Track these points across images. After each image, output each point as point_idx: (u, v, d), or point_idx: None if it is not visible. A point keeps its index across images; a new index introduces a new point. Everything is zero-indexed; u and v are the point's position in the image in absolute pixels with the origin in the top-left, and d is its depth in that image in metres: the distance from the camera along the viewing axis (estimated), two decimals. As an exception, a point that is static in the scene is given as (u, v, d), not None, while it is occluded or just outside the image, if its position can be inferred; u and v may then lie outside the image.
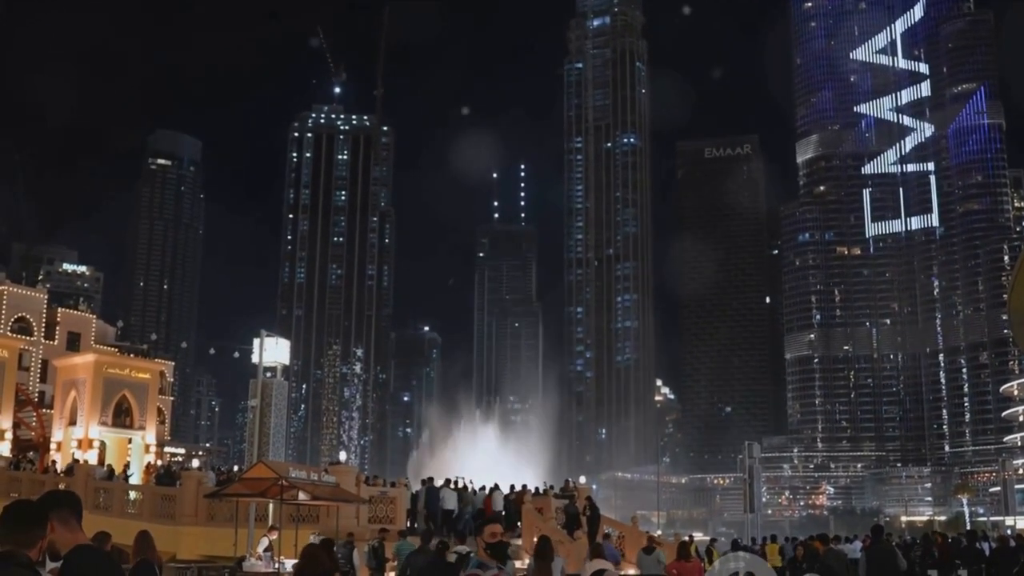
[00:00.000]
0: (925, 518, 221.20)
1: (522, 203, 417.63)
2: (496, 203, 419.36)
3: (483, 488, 42.81)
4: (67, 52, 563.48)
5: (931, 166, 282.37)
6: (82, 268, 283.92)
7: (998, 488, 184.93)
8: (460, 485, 42.47)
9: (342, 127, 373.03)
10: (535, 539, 30.80)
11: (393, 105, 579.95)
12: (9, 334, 76.38)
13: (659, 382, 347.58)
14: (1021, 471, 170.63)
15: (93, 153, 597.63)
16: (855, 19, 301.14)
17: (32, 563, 5.17)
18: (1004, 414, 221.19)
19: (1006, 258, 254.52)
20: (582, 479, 55.91)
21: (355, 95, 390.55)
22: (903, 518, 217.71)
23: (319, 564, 17.66)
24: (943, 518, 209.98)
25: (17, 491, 44.90)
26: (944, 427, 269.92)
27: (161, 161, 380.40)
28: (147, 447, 68.20)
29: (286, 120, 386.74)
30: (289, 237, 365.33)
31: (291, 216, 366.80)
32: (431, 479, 42.34)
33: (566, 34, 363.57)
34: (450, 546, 23.76)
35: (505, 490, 42.64)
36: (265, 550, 27.88)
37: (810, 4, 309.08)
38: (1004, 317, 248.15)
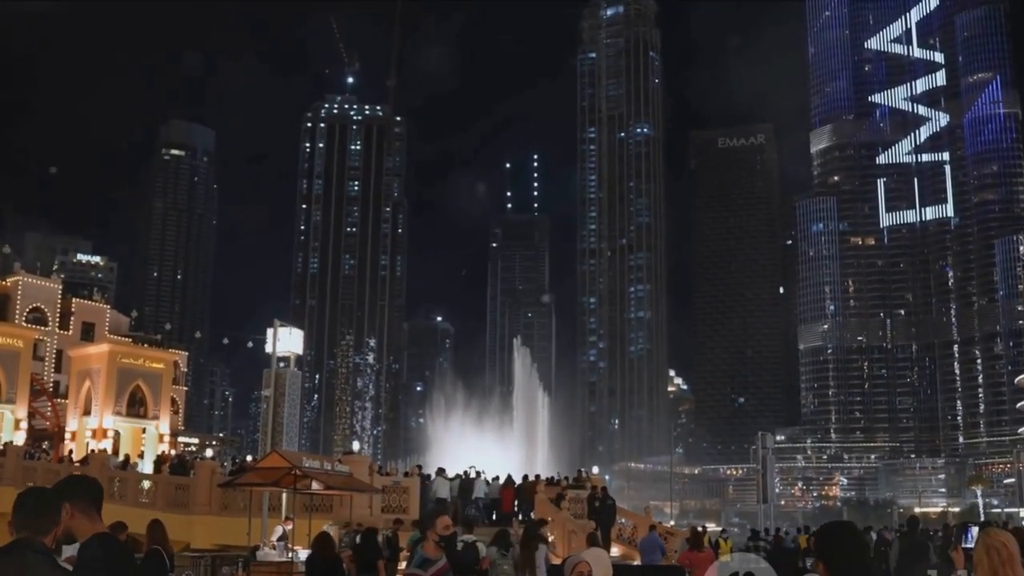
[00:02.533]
0: (939, 509, 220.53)
1: (535, 193, 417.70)
2: (509, 193, 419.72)
3: (496, 478, 42.89)
4: (80, 41, 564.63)
5: (946, 156, 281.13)
6: (96, 258, 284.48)
7: (1013, 480, 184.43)
8: (472, 475, 42.62)
9: (355, 117, 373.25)
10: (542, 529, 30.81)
11: (406, 95, 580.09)
12: (24, 324, 76.77)
13: (672, 372, 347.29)
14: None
15: (106, 143, 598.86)
16: (870, 8, 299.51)
17: (48, 550, 5.15)
18: (1019, 405, 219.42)
19: (1021, 248, 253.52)
20: (595, 469, 55.93)
21: (368, 85, 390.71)
22: (917, 509, 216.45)
23: (331, 548, 18.23)
24: (957, 509, 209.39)
25: (32, 480, 45.12)
26: (958, 418, 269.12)
27: (174, 151, 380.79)
28: (161, 437, 68.55)
29: (299, 110, 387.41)
30: (302, 227, 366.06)
31: (304, 206, 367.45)
32: (419, 467, 42.72)
33: (579, 24, 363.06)
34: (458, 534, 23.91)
35: (518, 480, 42.70)
36: (279, 539, 27.93)
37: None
38: (1019, 308, 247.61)
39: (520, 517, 39.99)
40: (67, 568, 5.49)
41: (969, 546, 19.33)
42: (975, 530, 27.59)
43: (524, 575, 19.97)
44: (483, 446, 71.38)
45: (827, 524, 5.92)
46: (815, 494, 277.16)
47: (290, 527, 28.08)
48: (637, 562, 34.68)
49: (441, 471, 42.06)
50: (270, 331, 47.09)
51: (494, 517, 40.14)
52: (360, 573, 22.82)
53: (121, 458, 52.62)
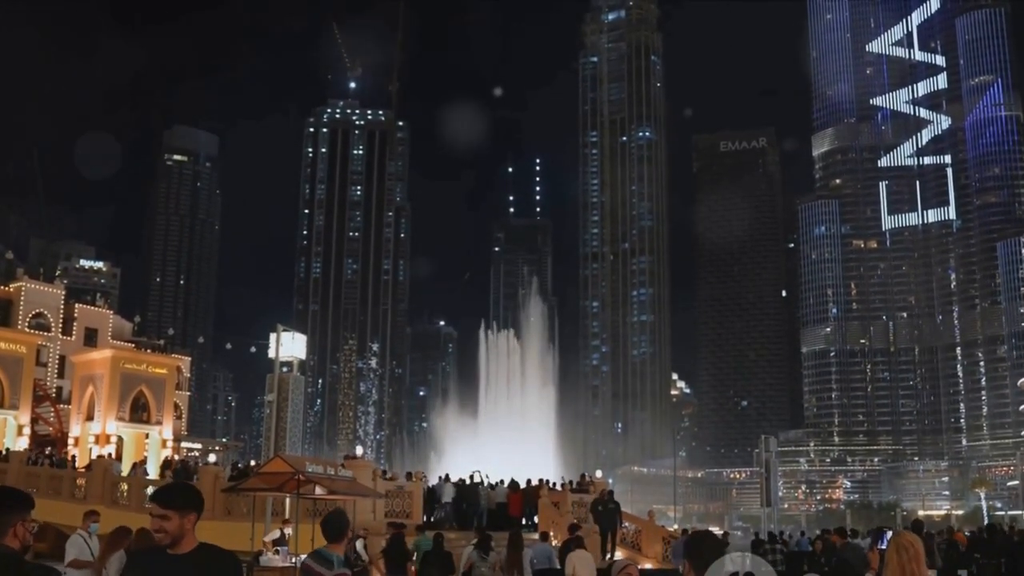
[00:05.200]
0: (942, 512, 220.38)
1: (537, 197, 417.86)
2: (511, 197, 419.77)
3: (501, 482, 42.92)
4: (83, 46, 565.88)
5: (948, 159, 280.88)
6: (99, 264, 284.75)
7: (1016, 482, 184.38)
8: (477, 480, 42.69)
9: (357, 122, 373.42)
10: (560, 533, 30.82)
11: (408, 100, 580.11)
12: (27, 330, 76.84)
13: (675, 376, 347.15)
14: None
15: (110, 149, 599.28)
16: (871, 11, 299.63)
17: (14, 551, 4.96)
18: (1022, 408, 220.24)
19: (1023, 251, 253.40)
20: (598, 473, 55.92)
21: (370, 90, 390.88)
22: (920, 512, 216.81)
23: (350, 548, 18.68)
24: (960, 512, 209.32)
25: (35, 486, 45.09)
26: (961, 421, 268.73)
27: (177, 157, 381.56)
28: (164, 442, 68.47)
29: (302, 115, 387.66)
30: (305, 232, 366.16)
31: (307, 211, 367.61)
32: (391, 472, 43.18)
33: (581, 28, 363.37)
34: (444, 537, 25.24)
35: (523, 484, 42.71)
36: (276, 541, 27.89)
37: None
38: (1022, 310, 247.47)
39: (525, 521, 39.97)
40: (46, 566, 5.42)
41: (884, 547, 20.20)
42: (890, 533, 28.90)
43: (512, 575, 20.29)
44: (485, 451, 71.21)
45: (694, 532, 7.19)
46: (818, 497, 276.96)
47: (289, 531, 28.06)
48: (640, 565, 34.66)
49: (409, 475, 42.61)
50: (273, 336, 47.29)
51: (484, 521, 39.75)
52: (390, 574, 24.60)
53: (130, 465, 52.66)
